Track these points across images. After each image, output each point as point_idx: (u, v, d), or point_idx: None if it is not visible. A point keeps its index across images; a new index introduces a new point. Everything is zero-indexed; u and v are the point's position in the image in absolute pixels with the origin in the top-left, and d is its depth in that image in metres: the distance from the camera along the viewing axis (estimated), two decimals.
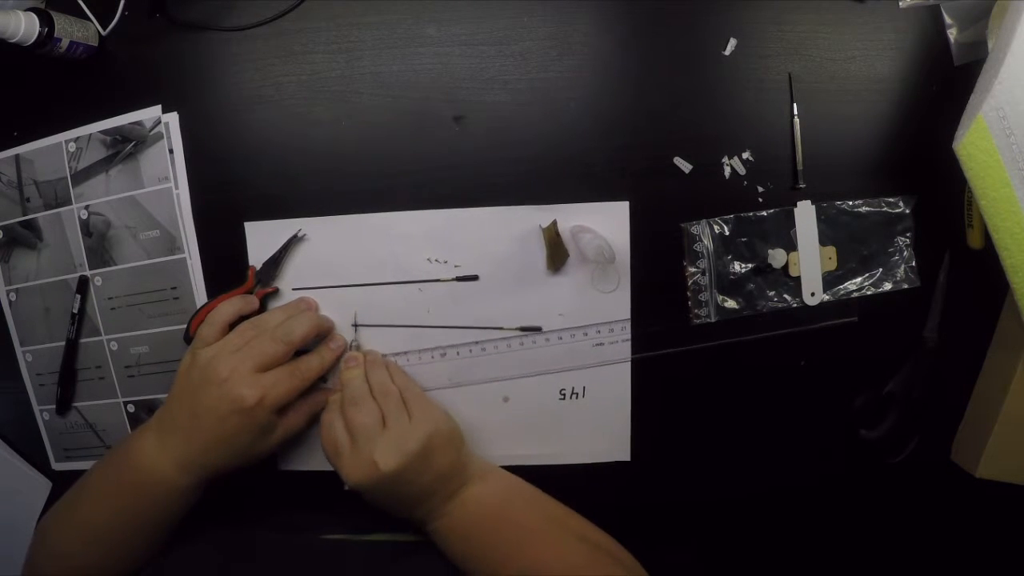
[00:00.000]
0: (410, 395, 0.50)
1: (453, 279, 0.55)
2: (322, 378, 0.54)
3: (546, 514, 0.51)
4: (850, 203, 0.54)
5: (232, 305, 0.51)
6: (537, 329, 0.55)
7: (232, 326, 0.51)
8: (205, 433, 0.47)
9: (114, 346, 0.58)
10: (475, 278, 0.54)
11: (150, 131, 0.55)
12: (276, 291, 0.55)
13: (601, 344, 0.55)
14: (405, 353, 0.55)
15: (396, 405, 0.49)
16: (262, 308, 0.55)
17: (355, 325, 0.55)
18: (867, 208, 0.54)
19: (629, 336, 0.55)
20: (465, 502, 0.49)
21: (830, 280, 0.55)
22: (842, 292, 0.55)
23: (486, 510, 0.50)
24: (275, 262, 0.54)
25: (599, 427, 0.57)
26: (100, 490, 0.50)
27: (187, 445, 0.48)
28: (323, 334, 0.53)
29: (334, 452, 0.48)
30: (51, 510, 0.52)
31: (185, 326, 0.55)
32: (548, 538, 0.49)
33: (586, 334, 0.55)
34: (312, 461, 0.57)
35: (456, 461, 0.50)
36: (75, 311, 0.58)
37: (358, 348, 0.54)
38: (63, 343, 0.58)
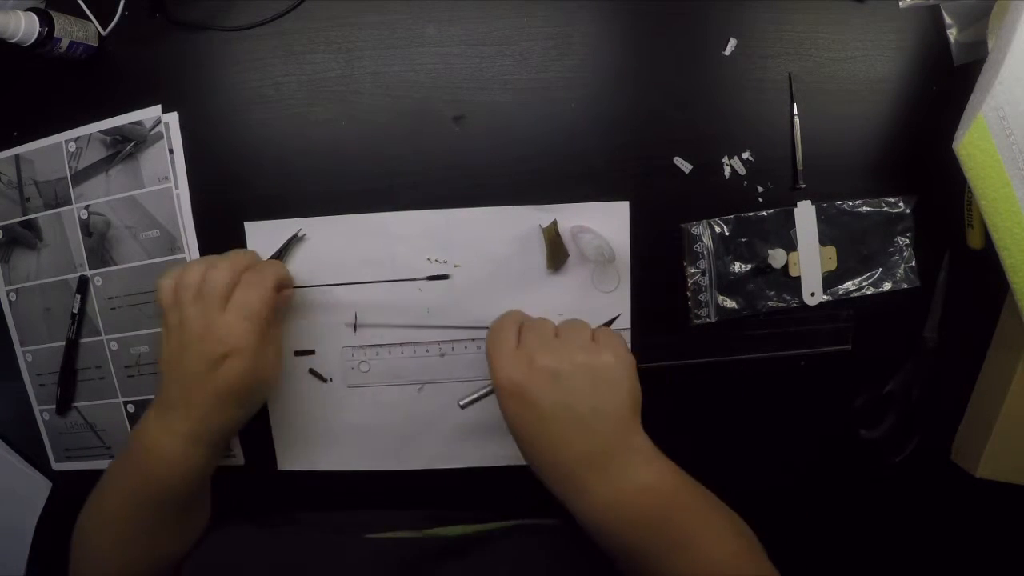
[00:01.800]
0: (602, 332, 0.46)
1: (450, 278, 0.55)
2: None
3: (706, 501, 0.46)
4: (850, 203, 0.54)
5: (171, 276, 0.47)
6: None
7: None
8: (201, 395, 0.45)
9: (114, 346, 0.58)
10: (473, 279, 0.54)
11: (150, 131, 0.55)
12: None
13: None
14: (410, 345, 0.55)
15: (583, 330, 0.45)
16: None
17: (355, 325, 0.55)
18: (867, 208, 0.54)
19: (628, 346, 0.55)
20: (633, 485, 0.43)
21: (830, 280, 0.55)
22: (842, 292, 0.55)
23: (655, 503, 0.43)
24: None
25: None
26: (117, 485, 0.49)
27: (187, 415, 0.46)
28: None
29: (496, 349, 0.45)
30: (82, 513, 0.50)
31: None
32: (710, 527, 0.44)
33: None
34: (308, 462, 0.57)
35: (629, 415, 0.44)
36: (75, 311, 0.58)
37: None
38: (63, 343, 0.58)
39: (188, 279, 0.46)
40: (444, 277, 0.54)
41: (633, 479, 0.43)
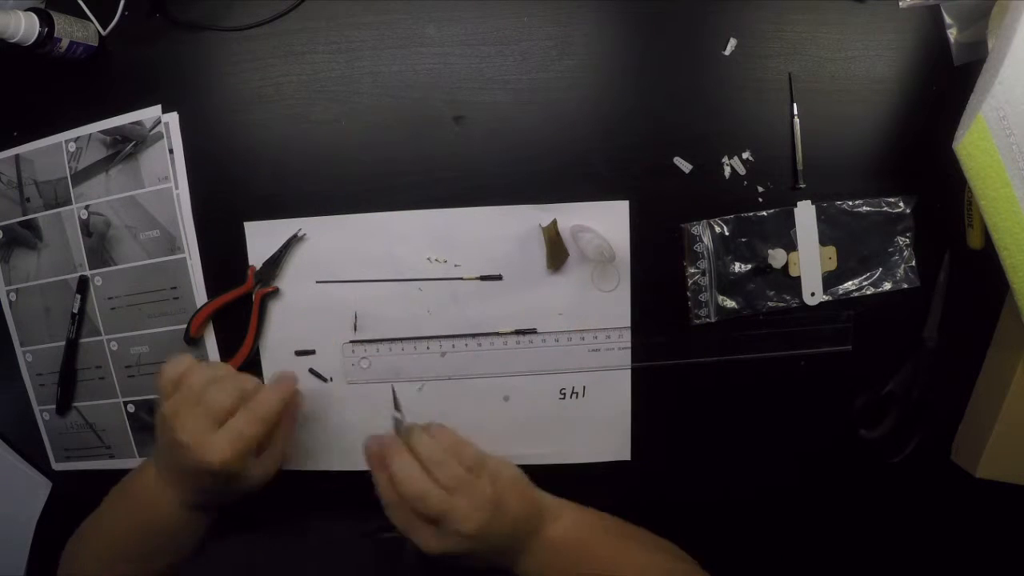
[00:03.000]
0: (463, 452, 0.49)
1: (456, 279, 0.55)
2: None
3: (618, 534, 0.51)
4: (850, 203, 0.54)
5: (174, 367, 0.49)
6: (532, 331, 0.55)
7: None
8: (187, 485, 0.48)
9: (114, 346, 0.58)
10: (487, 279, 0.54)
11: (150, 131, 0.55)
12: (276, 291, 0.55)
13: (598, 350, 0.55)
14: (411, 342, 0.56)
15: (454, 470, 0.47)
16: (262, 308, 0.55)
17: (355, 325, 0.55)
18: (867, 208, 0.54)
19: (629, 344, 0.55)
20: (549, 542, 0.49)
21: (830, 280, 0.55)
22: (842, 292, 0.55)
23: (571, 546, 0.49)
24: (275, 262, 0.54)
25: (599, 427, 0.57)
26: (115, 518, 0.51)
27: (179, 488, 0.48)
28: (288, 387, 0.51)
29: (409, 530, 0.47)
30: (73, 538, 0.52)
31: (185, 326, 0.55)
32: (627, 557, 0.50)
33: (583, 338, 0.55)
34: (311, 462, 0.57)
35: (528, 502, 0.50)
36: (75, 311, 0.58)
37: (402, 424, 0.50)
38: (63, 343, 0.58)
39: (192, 381, 0.48)
40: (497, 278, 0.54)
41: (545, 537, 0.49)
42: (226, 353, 0.56)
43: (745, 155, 0.53)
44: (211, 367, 0.50)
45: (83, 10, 0.53)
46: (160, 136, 0.55)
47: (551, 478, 0.57)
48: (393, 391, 0.53)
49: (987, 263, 0.49)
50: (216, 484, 0.47)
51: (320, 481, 0.58)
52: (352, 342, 0.55)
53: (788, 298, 0.55)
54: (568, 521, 0.51)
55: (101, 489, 0.52)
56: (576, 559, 0.49)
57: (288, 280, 0.55)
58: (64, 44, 0.51)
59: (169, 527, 0.49)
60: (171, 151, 0.55)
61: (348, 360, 0.56)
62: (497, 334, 0.55)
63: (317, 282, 0.55)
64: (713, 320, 0.55)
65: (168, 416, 0.47)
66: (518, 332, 0.55)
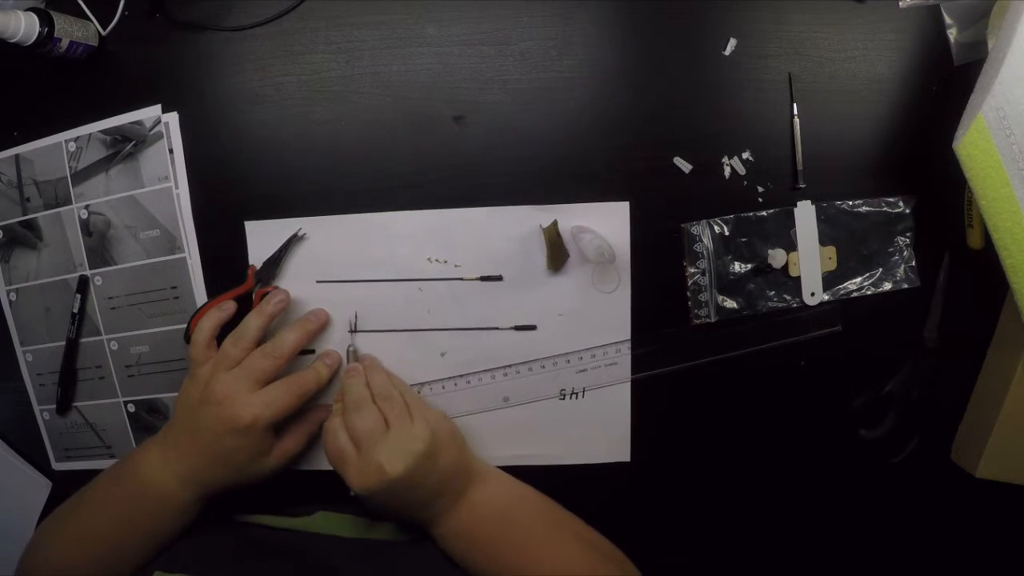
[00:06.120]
0: (410, 398, 0.51)
1: (456, 279, 0.55)
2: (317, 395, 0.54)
3: (548, 515, 0.52)
4: (850, 203, 0.54)
5: (210, 319, 0.51)
6: (532, 327, 0.55)
7: (221, 337, 0.52)
8: (203, 451, 0.48)
9: (114, 346, 0.58)
10: (487, 279, 0.54)
11: (150, 131, 0.55)
12: (276, 290, 0.55)
13: (598, 367, 0.55)
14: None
15: (398, 408, 0.49)
16: None
17: (352, 331, 0.55)
18: (867, 208, 0.54)
19: (629, 355, 0.55)
20: (472, 504, 0.50)
21: (830, 280, 0.55)
22: (842, 292, 0.55)
23: (493, 512, 0.50)
24: (275, 261, 0.54)
25: (599, 427, 0.57)
26: (101, 500, 0.51)
27: (186, 461, 0.49)
28: (314, 334, 0.53)
29: (339, 459, 0.48)
30: (51, 516, 0.52)
31: (185, 326, 0.55)
32: (549, 539, 0.50)
33: (580, 358, 0.55)
34: (311, 461, 0.57)
35: (459, 459, 0.50)
36: (75, 311, 0.58)
37: (356, 353, 0.54)
38: (63, 343, 0.58)
39: (231, 352, 0.49)
40: (497, 279, 0.54)
41: (469, 498, 0.50)
42: None
43: (745, 155, 0.53)
44: (242, 332, 0.50)
45: (83, 10, 0.53)
46: (160, 136, 0.55)
47: (551, 478, 0.57)
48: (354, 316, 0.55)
49: (987, 263, 0.49)
50: (233, 452, 0.48)
51: (320, 479, 0.58)
52: (352, 343, 0.55)
53: (788, 298, 0.55)
54: (496, 486, 0.52)
55: None
56: (497, 527, 0.50)
57: (288, 280, 0.55)
58: (64, 44, 0.51)
59: (158, 509, 0.49)
60: (171, 151, 0.55)
61: (348, 359, 0.56)
62: (497, 330, 0.55)
63: (317, 282, 0.55)
64: (713, 320, 0.55)
65: (205, 378, 0.48)
66: (517, 328, 0.55)
